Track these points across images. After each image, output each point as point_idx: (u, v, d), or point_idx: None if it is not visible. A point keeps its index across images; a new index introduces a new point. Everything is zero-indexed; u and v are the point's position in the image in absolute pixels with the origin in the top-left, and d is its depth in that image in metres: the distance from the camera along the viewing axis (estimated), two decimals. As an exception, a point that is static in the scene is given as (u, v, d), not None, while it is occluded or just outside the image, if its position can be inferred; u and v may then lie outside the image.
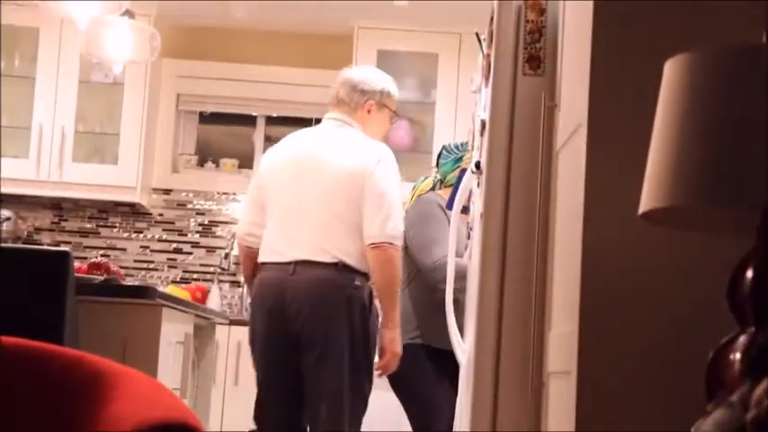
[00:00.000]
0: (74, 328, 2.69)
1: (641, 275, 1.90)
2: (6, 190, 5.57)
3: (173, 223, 6.09)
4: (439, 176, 4.06)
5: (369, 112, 3.67)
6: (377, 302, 3.56)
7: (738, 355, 1.33)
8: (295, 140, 3.66)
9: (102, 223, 6.03)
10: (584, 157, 1.95)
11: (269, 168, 3.62)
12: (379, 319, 3.57)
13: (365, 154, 3.50)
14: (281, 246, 3.48)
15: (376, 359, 3.55)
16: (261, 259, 3.54)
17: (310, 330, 3.40)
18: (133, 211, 6.04)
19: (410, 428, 3.94)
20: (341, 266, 3.43)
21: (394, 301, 3.50)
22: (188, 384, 3.82)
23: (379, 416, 4.56)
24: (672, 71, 1.45)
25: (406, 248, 3.68)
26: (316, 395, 3.42)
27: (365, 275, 3.48)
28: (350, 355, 3.41)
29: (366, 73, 3.76)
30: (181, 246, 6.08)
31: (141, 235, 6.06)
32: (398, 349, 3.54)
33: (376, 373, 3.53)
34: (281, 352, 3.46)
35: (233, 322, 5.27)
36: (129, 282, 4.22)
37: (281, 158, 3.62)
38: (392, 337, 3.52)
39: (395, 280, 3.48)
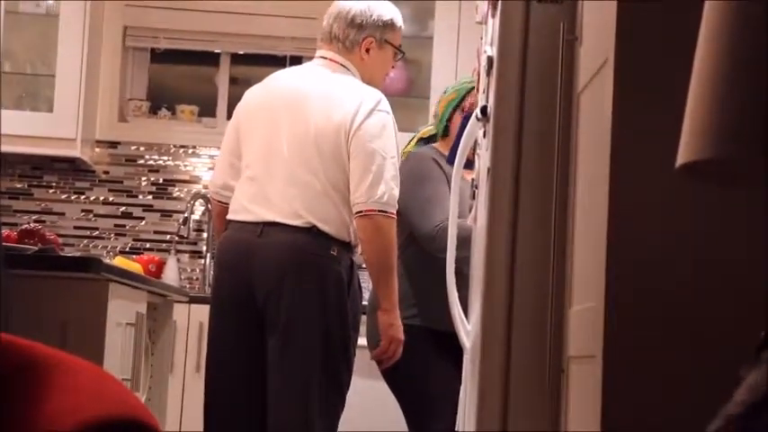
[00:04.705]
0: (2, 307, 2.68)
1: (678, 240, 1.90)
2: None
3: (120, 182, 6.08)
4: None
5: (368, 51, 3.66)
6: (368, 279, 3.57)
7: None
8: (277, 80, 3.68)
9: (35, 183, 6.02)
10: (610, 99, 1.94)
11: (245, 110, 3.64)
12: (365, 297, 3.58)
13: (354, 103, 3.48)
14: (252, 203, 3.49)
15: (362, 342, 3.57)
16: (229, 216, 3.55)
17: (275, 306, 3.41)
18: (73, 168, 6.02)
19: (405, 425, 3.95)
20: (315, 232, 3.43)
21: (388, 278, 3.50)
22: (140, 374, 3.82)
23: (364, 411, 4.58)
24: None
25: (398, 213, 3.69)
26: (279, 387, 3.42)
27: (346, 245, 3.48)
28: (322, 338, 3.41)
29: (364, 2, 3.71)
30: (130, 209, 6.08)
31: (83, 196, 6.05)
32: (398, 334, 3.55)
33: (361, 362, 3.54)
34: (243, 330, 3.46)
35: (194, 300, 5.28)
36: (68, 252, 4.22)
37: (259, 99, 3.63)
38: (389, 321, 3.53)
39: (387, 254, 3.48)
